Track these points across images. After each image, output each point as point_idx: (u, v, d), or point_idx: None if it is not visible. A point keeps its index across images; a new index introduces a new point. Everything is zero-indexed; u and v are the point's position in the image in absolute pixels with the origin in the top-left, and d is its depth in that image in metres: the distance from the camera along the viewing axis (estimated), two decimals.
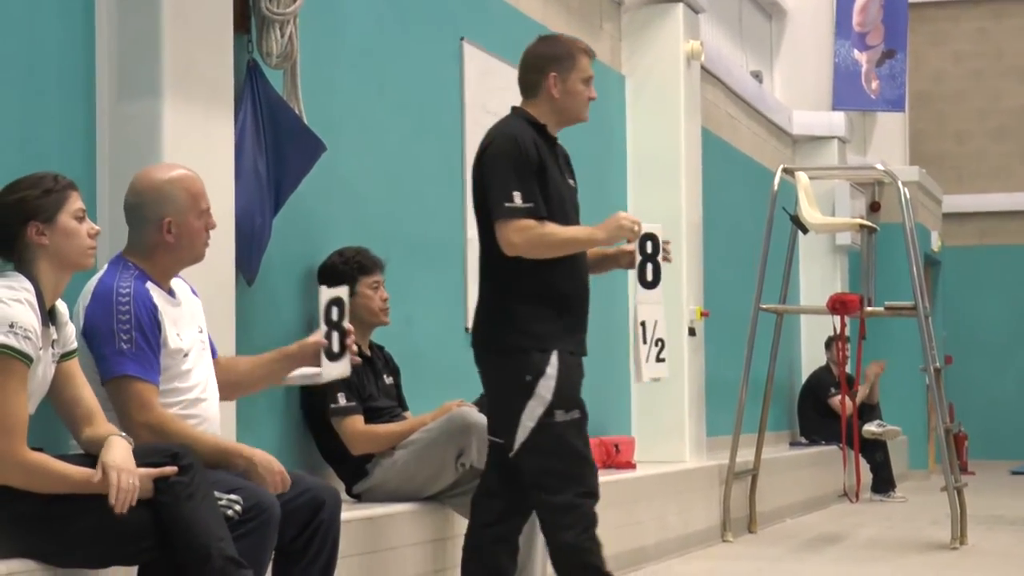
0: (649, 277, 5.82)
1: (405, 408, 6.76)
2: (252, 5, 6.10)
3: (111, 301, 4.59)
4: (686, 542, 9.63)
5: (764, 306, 10.80)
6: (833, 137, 15.87)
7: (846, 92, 16.46)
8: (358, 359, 5.15)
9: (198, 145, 5.51)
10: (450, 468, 6.26)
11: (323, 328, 5.03)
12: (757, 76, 14.92)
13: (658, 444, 10.38)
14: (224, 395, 5.21)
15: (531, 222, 5.45)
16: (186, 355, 4.72)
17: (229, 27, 5.76)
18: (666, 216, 10.54)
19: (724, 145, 13.15)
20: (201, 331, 4.88)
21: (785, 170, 10.94)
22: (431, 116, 7.95)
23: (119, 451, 4.16)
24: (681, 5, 10.66)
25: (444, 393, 6.96)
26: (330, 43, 6.89)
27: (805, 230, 10.59)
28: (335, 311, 5.05)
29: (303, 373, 5.16)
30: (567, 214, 5.63)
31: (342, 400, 6.22)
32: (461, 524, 6.46)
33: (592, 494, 5.56)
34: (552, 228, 5.48)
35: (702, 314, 10.72)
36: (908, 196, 10.62)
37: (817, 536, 10.93)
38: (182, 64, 5.46)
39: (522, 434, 5.49)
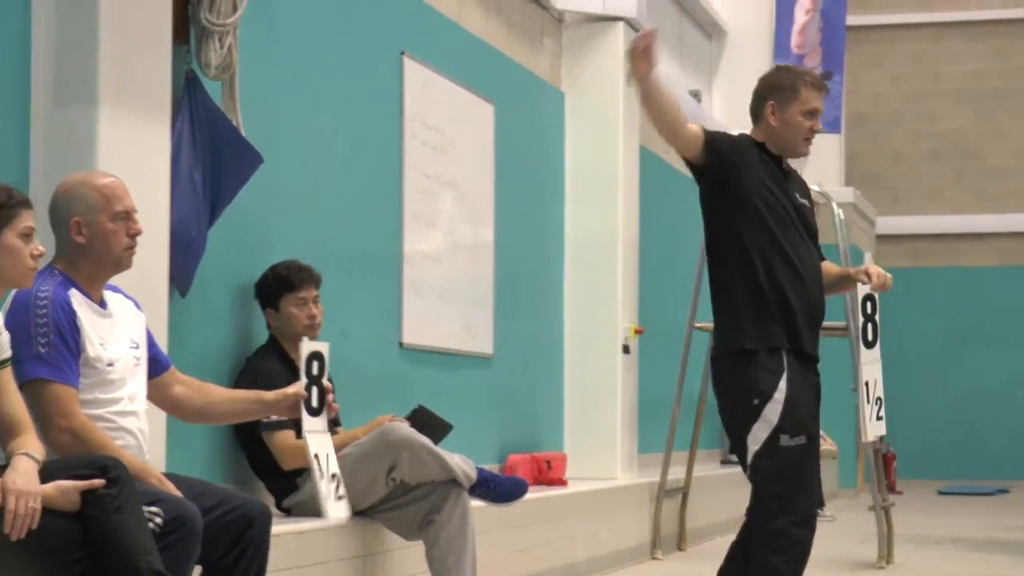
0: (870, 337, 5.89)
1: (338, 423, 6.74)
2: (191, 15, 6.08)
3: (29, 306, 4.56)
4: (617, 559, 9.65)
5: (699, 324, 10.82)
6: None
7: None
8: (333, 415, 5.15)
9: (134, 154, 5.49)
10: (381, 483, 6.24)
11: (303, 381, 5.01)
12: (696, 95, 14.99)
13: (590, 460, 10.40)
14: (185, 416, 5.19)
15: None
16: (110, 365, 4.69)
17: (168, 37, 5.75)
18: (603, 232, 10.60)
19: (662, 163, 13.19)
20: (137, 346, 4.84)
21: None
22: (370, 129, 7.94)
23: (21, 473, 4.06)
24: (621, 23, 10.70)
25: (377, 408, 6.95)
26: (269, 55, 6.87)
27: None
28: (315, 365, 5.04)
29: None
30: (783, 221, 5.60)
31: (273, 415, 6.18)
32: (391, 539, 6.46)
33: (806, 523, 5.52)
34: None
35: (636, 331, 10.76)
36: (843, 217, 10.69)
37: None
38: (119, 73, 5.44)
39: (748, 456, 5.52)
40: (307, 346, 5.08)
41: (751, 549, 5.57)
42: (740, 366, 5.54)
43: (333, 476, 5.04)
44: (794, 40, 16.58)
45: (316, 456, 4.97)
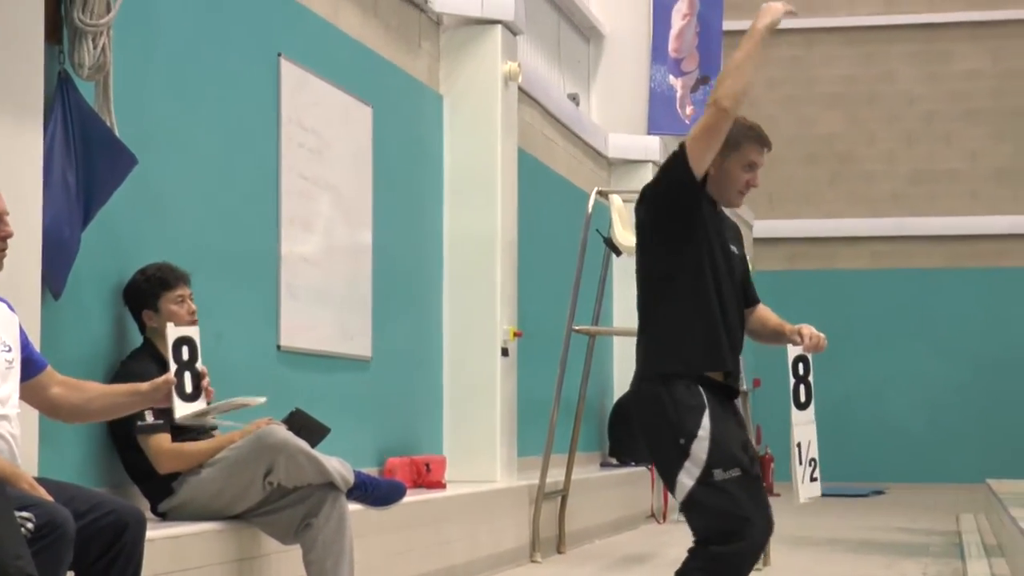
0: (802, 398, 5.80)
1: (214, 426, 6.69)
2: (64, 15, 6.01)
3: None
4: (496, 561, 9.66)
5: (577, 327, 10.88)
6: (648, 161, 16.06)
7: (661, 117, 16.67)
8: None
9: (5, 156, 5.41)
10: (258, 486, 6.21)
11: (173, 367, 4.96)
12: (574, 98, 15.05)
13: (469, 463, 10.40)
14: (64, 416, 5.12)
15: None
16: None
17: (40, 37, 5.67)
18: (481, 235, 10.60)
19: (540, 166, 13.24)
20: (9, 349, 4.77)
21: (600, 192, 11.05)
22: (246, 131, 7.89)
23: None
24: (500, 26, 10.72)
25: (254, 411, 6.90)
26: (144, 55, 6.81)
27: (618, 252, 10.71)
28: (185, 350, 4.98)
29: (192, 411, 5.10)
30: (718, 272, 5.49)
31: (149, 417, 6.12)
32: (268, 543, 6.42)
33: (751, 555, 5.44)
34: (725, 85, 5.36)
35: (515, 334, 10.78)
36: None
37: (625, 556, 11.03)
38: None
39: (681, 492, 5.42)
40: (173, 331, 5.03)
41: (688, 562, 5.51)
42: (658, 400, 5.47)
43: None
44: (671, 44, 16.70)
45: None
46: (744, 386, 10.77)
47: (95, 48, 6.04)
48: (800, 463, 5.79)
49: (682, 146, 5.46)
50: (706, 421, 5.40)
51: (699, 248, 5.47)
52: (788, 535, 12.02)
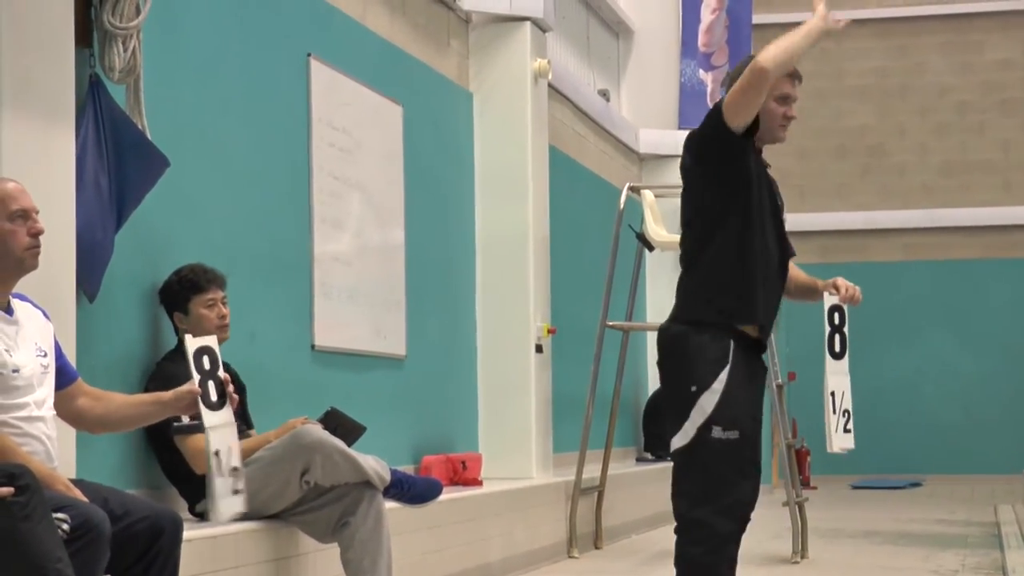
0: (837, 348, 5.80)
1: (250, 426, 6.71)
2: (94, 19, 6.03)
3: None
4: (532, 558, 9.66)
5: (611, 323, 10.87)
6: (679, 156, 15.99)
7: (692, 111, 16.62)
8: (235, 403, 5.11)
9: (38, 159, 5.43)
10: (294, 486, 6.21)
11: (196, 378, 4.97)
12: (604, 94, 15.03)
13: (505, 460, 10.41)
14: (89, 427, 5.14)
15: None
16: (16, 371, 4.63)
17: (70, 41, 5.69)
18: (513, 232, 10.60)
19: (571, 162, 13.23)
20: (44, 354, 4.79)
21: (631, 188, 11.04)
22: (277, 131, 7.91)
23: None
24: (528, 23, 10.72)
25: (289, 410, 6.92)
26: (174, 57, 6.83)
27: (651, 247, 10.68)
28: (206, 360, 4.99)
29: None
30: (764, 218, 5.51)
31: (185, 418, 6.13)
32: (305, 542, 6.43)
33: (729, 515, 5.42)
34: (769, 51, 5.40)
35: (549, 331, 10.77)
36: None
37: (662, 551, 11.00)
38: (21, 78, 5.38)
39: (679, 440, 5.42)
40: (192, 343, 5.03)
41: (676, 541, 5.53)
42: (684, 343, 5.46)
43: (234, 469, 4.98)
44: (701, 39, 16.66)
45: (217, 452, 4.92)
46: (779, 380, 10.76)
47: (125, 51, 6.06)
48: (834, 412, 5.80)
49: (719, 103, 5.46)
50: (724, 375, 5.39)
51: (748, 193, 5.46)
52: (825, 528, 11.98)
